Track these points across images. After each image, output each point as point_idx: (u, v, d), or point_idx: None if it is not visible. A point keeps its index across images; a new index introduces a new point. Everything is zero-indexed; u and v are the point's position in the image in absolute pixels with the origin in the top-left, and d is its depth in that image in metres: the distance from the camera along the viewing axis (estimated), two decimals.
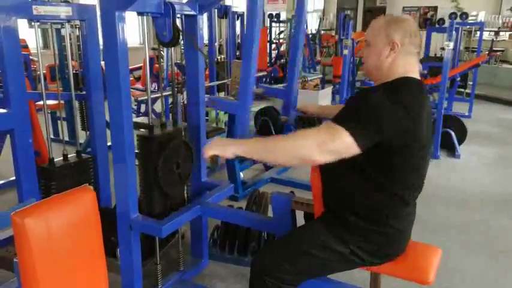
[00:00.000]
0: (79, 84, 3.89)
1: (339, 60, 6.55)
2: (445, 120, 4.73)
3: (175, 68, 4.21)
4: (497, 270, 2.59)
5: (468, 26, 8.83)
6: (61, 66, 4.46)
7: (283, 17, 10.29)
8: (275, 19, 9.73)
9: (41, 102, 2.40)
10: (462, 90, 7.01)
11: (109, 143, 2.04)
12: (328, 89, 6.64)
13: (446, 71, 4.54)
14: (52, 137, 2.70)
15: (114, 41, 1.71)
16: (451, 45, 4.54)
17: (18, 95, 2.11)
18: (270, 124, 4.36)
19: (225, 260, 2.57)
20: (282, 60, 6.33)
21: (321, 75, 7.04)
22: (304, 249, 1.56)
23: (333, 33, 12.50)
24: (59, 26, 2.58)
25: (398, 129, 1.39)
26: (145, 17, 1.88)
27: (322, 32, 11.67)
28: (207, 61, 2.09)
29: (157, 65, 6.06)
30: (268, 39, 9.14)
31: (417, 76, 1.54)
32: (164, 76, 5.33)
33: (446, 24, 6.12)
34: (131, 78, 6.08)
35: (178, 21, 1.91)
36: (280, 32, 10.07)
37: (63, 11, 2.22)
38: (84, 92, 2.76)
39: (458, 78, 6.07)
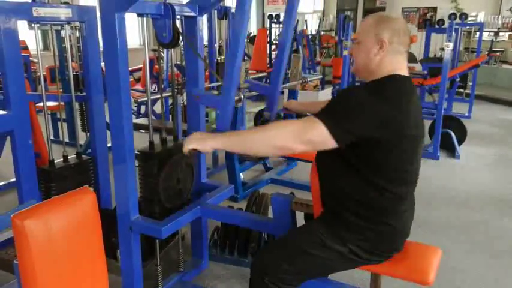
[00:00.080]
0: (79, 86, 3.89)
1: (339, 61, 6.55)
2: (444, 120, 4.73)
3: (175, 69, 4.22)
4: (497, 270, 2.59)
5: (468, 27, 8.85)
6: (61, 68, 4.47)
7: (283, 17, 10.28)
8: (275, 20, 9.73)
9: (41, 104, 2.40)
10: (462, 90, 7.02)
11: (109, 144, 2.04)
12: (328, 90, 6.64)
13: (446, 71, 4.55)
14: (52, 138, 2.71)
15: (114, 42, 1.71)
16: (451, 45, 4.55)
17: (18, 96, 2.11)
18: None
19: (225, 261, 2.57)
20: None
21: (320, 76, 7.04)
22: (303, 249, 1.56)
23: (333, 34, 12.51)
24: (59, 28, 2.57)
25: (384, 125, 1.40)
26: (145, 18, 1.88)
27: (322, 32, 11.67)
28: (206, 63, 2.09)
29: (157, 66, 6.06)
30: (268, 40, 9.14)
31: (405, 73, 1.55)
32: (164, 77, 5.34)
33: (446, 25, 6.12)
34: (131, 80, 6.10)
35: (178, 23, 1.91)
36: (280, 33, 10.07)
37: (63, 12, 2.22)
38: (84, 94, 2.76)
39: (458, 79, 6.07)
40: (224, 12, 5.14)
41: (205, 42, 4.36)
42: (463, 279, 2.48)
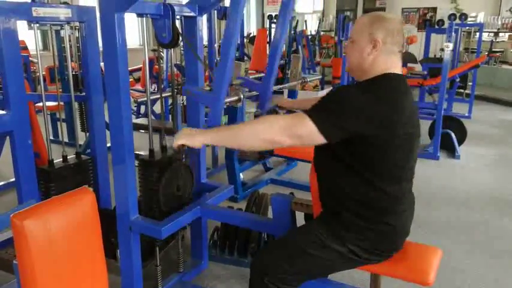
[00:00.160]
0: (78, 86, 3.89)
1: (339, 61, 6.55)
2: (444, 121, 4.73)
3: (175, 69, 4.22)
4: (497, 270, 2.59)
5: (467, 27, 8.85)
6: (60, 68, 4.46)
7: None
8: (275, 20, 9.72)
9: (41, 104, 2.39)
10: (462, 91, 7.02)
11: (109, 144, 2.04)
12: (328, 90, 6.64)
13: (445, 71, 4.55)
14: (52, 138, 2.71)
15: (113, 42, 1.71)
16: (451, 46, 4.55)
17: (18, 96, 2.11)
18: None
19: (225, 261, 2.57)
20: (282, 62, 6.34)
21: (320, 76, 7.04)
22: (303, 249, 1.56)
23: (333, 34, 12.52)
24: (59, 28, 2.57)
25: (375, 122, 1.41)
26: (144, 18, 1.88)
27: (322, 33, 11.67)
28: (206, 64, 2.10)
29: (156, 66, 6.06)
30: (268, 40, 9.14)
31: (399, 72, 1.55)
32: (164, 77, 5.33)
33: (446, 25, 6.12)
34: (131, 80, 6.10)
35: (177, 23, 1.91)
36: None
37: (63, 12, 2.22)
38: (83, 94, 2.75)
39: (458, 79, 6.07)
40: (224, 12, 5.14)
41: (205, 43, 4.36)
42: (463, 279, 2.48)
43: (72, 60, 3.64)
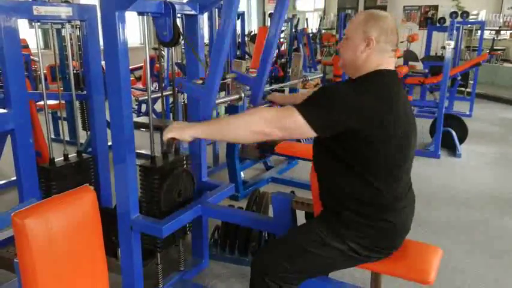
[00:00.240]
0: (80, 84, 3.89)
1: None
2: (445, 119, 4.73)
3: (176, 68, 4.21)
4: (498, 270, 2.58)
5: (469, 25, 8.80)
6: (61, 66, 4.46)
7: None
8: None
9: (42, 102, 2.40)
10: (463, 89, 7.01)
11: (110, 143, 2.05)
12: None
13: (447, 70, 4.54)
14: (53, 136, 2.70)
15: (114, 41, 1.71)
16: (452, 44, 4.55)
17: (19, 95, 2.11)
18: None
19: (226, 260, 2.57)
20: (283, 60, 6.33)
21: (321, 75, 7.02)
22: (303, 248, 1.56)
23: (334, 32, 12.49)
24: (60, 26, 2.58)
25: (366, 117, 1.42)
26: (145, 16, 1.88)
27: (323, 31, 11.64)
28: (204, 64, 2.09)
29: (157, 65, 6.06)
30: None
31: (391, 68, 1.56)
32: (165, 76, 5.33)
33: (447, 23, 6.11)
34: (132, 78, 6.08)
35: (178, 21, 1.91)
36: (281, 32, 10.06)
37: (64, 11, 2.22)
38: (84, 92, 2.76)
39: (459, 77, 6.07)
40: None
41: (206, 41, 4.36)
42: (463, 279, 2.48)
43: (73, 59, 3.65)
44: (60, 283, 1.26)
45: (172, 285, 2.31)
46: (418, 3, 13.26)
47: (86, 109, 4.24)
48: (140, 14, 1.85)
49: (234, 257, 2.55)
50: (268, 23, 9.60)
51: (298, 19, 8.49)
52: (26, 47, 6.76)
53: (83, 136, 3.96)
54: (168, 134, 1.62)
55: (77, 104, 2.60)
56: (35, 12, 2.07)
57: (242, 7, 8.30)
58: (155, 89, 5.95)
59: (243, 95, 2.35)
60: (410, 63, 6.96)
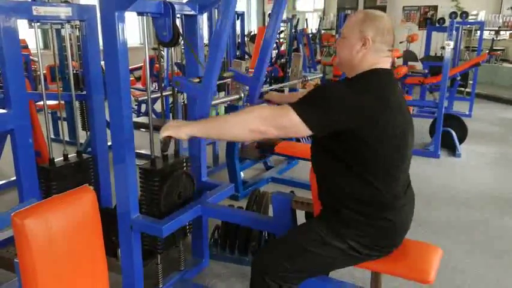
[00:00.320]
0: (79, 85, 3.89)
1: None
2: (445, 119, 4.73)
3: (176, 68, 4.22)
4: (498, 270, 2.58)
5: (468, 25, 8.80)
6: (61, 67, 4.46)
7: (283, 16, 10.25)
8: None
9: (41, 103, 2.40)
10: (462, 89, 7.01)
11: (109, 143, 2.04)
12: None
13: (446, 70, 4.55)
14: (52, 137, 2.71)
15: (114, 41, 1.71)
16: (452, 44, 4.55)
17: (19, 95, 2.11)
18: None
19: (226, 259, 2.57)
20: (282, 60, 6.34)
21: (321, 75, 7.03)
22: (303, 247, 1.56)
23: (334, 32, 12.49)
24: (59, 27, 2.56)
25: (366, 119, 1.43)
26: (145, 17, 1.88)
27: (323, 31, 11.64)
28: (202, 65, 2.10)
29: (157, 65, 6.06)
30: None
31: (387, 67, 1.57)
32: (164, 76, 5.33)
33: (447, 24, 6.12)
34: (131, 78, 6.09)
35: (178, 21, 1.91)
36: (281, 32, 10.07)
37: (63, 11, 2.22)
38: (84, 92, 2.75)
39: (459, 78, 6.06)
40: None
41: (206, 41, 4.37)
42: (463, 279, 2.48)
43: (72, 59, 3.65)
44: (60, 283, 1.26)
45: (172, 285, 2.30)
46: (417, 4, 13.26)
47: (85, 109, 4.24)
48: (140, 14, 1.85)
49: (234, 256, 2.55)
50: (267, 23, 9.57)
51: (298, 19, 8.49)
52: (26, 47, 6.74)
53: (82, 136, 3.96)
54: (164, 132, 1.63)
55: (76, 104, 2.60)
56: (34, 13, 2.08)
57: (242, 7, 8.30)
58: (155, 89, 5.96)
59: (242, 95, 2.35)
60: (409, 63, 6.97)
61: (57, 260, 1.24)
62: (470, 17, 8.83)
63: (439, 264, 1.63)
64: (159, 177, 2.00)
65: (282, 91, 4.53)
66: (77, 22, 2.61)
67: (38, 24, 2.19)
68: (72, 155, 2.44)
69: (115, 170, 1.89)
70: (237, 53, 6.17)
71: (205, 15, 2.65)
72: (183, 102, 3.63)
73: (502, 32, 11.93)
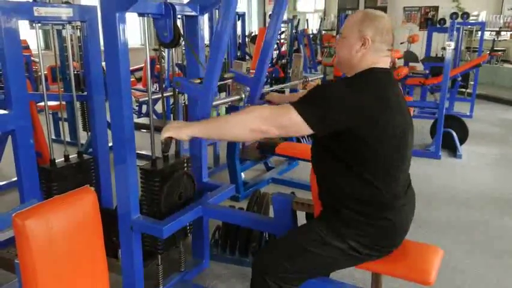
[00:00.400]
0: (80, 85, 3.89)
1: None
2: (446, 120, 4.73)
3: (177, 69, 4.22)
4: (498, 270, 2.58)
5: (469, 26, 8.79)
6: (62, 67, 4.47)
7: (284, 17, 10.26)
8: None
9: (42, 103, 2.40)
10: (463, 90, 7.01)
11: (110, 144, 2.05)
12: None
13: (447, 70, 4.54)
14: (53, 137, 2.70)
15: (115, 42, 1.71)
16: (452, 45, 4.55)
17: (20, 96, 2.11)
18: None
19: (226, 260, 2.57)
20: (283, 61, 6.35)
21: (322, 76, 7.03)
22: (304, 247, 1.56)
23: (334, 33, 12.50)
24: (60, 27, 2.57)
25: (362, 118, 1.43)
26: (146, 17, 1.88)
27: (323, 32, 11.65)
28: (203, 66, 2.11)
29: (158, 66, 6.06)
30: None
31: (386, 67, 1.57)
32: (165, 77, 5.34)
33: (448, 24, 6.12)
34: (132, 79, 6.10)
35: (179, 22, 1.91)
36: (281, 33, 10.08)
37: (64, 12, 2.22)
38: (85, 93, 2.76)
39: (460, 78, 6.07)
40: None
41: (207, 42, 4.37)
42: (463, 279, 2.48)
43: (73, 60, 3.65)
44: (60, 284, 1.26)
45: (172, 285, 2.31)
46: (418, 4, 13.27)
47: (86, 110, 4.24)
48: (141, 15, 1.85)
49: (234, 257, 2.55)
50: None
51: (299, 20, 8.50)
52: (27, 47, 6.77)
53: (83, 137, 3.96)
54: (165, 133, 1.63)
55: (77, 104, 2.60)
56: (35, 13, 2.08)
57: (243, 8, 8.30)
58: (156, 90, 5.96)
59: (243, 95, 2.36)
60: (410, 64, 6.96)
61: (58, 261, 1.24)
62: (471, 18, 8.83)
63: (440, 264, 1.63)
64: (160, 177, 2.01)
65: (283, 92, 4.53)
66: (78, 23, 2.62)
67: (39, 24, 2.20)
68: (73, 156, 2.45)
69: (116, 170, 1.89)
70: (238, 54, 6.17)
71: (206, 16, 2.66)
72: (184, 103, 3.63)
73: (503, 33, 11.92)
